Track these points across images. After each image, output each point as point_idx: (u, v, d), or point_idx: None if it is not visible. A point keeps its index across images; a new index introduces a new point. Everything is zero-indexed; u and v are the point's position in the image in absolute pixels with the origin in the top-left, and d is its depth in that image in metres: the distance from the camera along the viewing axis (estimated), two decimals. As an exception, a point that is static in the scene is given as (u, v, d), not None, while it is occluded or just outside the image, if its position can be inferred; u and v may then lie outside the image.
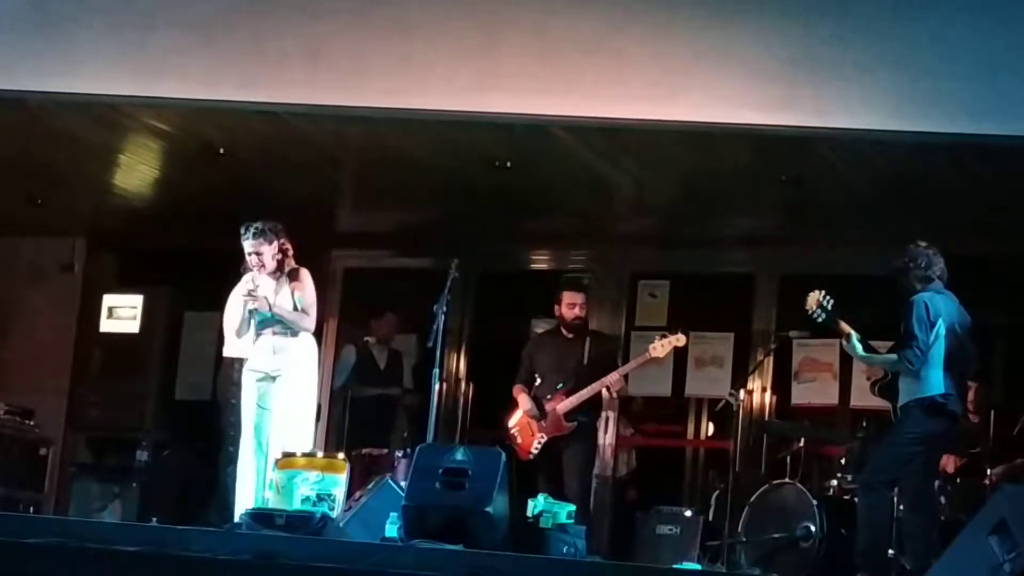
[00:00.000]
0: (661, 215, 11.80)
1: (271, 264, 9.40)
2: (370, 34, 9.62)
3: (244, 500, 9.27)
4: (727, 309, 12.64)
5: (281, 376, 9.43)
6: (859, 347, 8.88)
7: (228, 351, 10.26)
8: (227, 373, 10.43)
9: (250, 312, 9.40)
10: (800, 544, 9.99)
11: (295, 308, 9.44)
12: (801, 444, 10.76)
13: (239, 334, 9.65)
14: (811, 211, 11.30)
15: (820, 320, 8.89)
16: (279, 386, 9.41)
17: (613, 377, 10.53)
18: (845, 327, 8.88)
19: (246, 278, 9.60)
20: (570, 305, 10.77)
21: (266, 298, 9.33)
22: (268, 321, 9.43)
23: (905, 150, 9.63)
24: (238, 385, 10.09)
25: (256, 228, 9.38)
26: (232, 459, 10.10)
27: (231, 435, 10.24)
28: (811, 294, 8.88)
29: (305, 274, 9.53)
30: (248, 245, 9.40)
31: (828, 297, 8.83)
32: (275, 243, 9.41)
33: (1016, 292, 11.58)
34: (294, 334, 9.45)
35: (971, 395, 10.55)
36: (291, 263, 9.50)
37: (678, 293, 12.74)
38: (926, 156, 9.74)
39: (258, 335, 9.51)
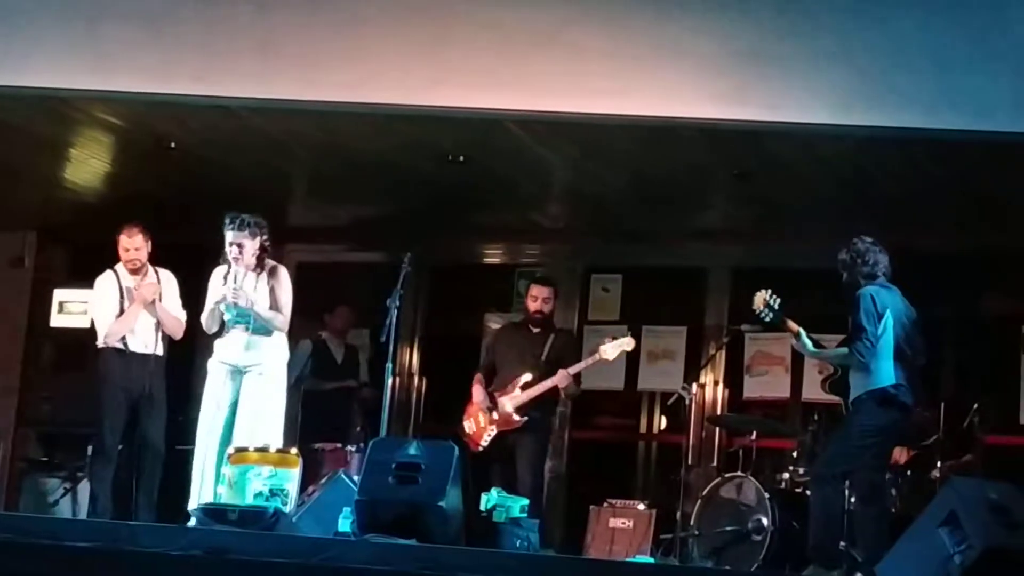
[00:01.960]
0: (614, 209, 11.81)
1: (250, 258, 9.40)
2: (322, 27, 9.59)
3: (200, 493, 9.22)
4: (679, 303, 12.68)
5: (252, 372, 9.42)
6: (808, 344, 8.92)
7: (105, 340, 10.14)
8: (103, 365, 10.26)
9: (225, 307, 9.39)
10: (752, 537, 10.03)
11: (272, 306, 9.45)
12: (753, 437, 10.81)
13: (208, 328, 9.61)
14: (763, 205, 11.34)
15: (767, 319, 8.92)
16: (251, 382, 9.40)
17: (561, 375, 10.54)
18: (793, 325, 8.92)
19: (218, 271, 9.56)
20: (533, 298, 10.84)
21: (247, 294, 9.33)
22: (241, 316, 9.41)
23: (856, 144, 9.67)
24: (104, 377, 10.01)
25: (242, 219, 9.41)
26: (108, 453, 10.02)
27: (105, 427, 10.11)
28: (758, 294, 8.91)
29: (284, 273, 9.57)
30: (231, 235, 9.40)
31: (775, 296, 8.87)
32: (258, 238, 9.44)
33: (965, 286, 11.65)
34: (267, 331, 9.47)
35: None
36: (270, 261, 9.51)
37: (631, 287, 12.78)
38: (877, 151, 9.78)
39: (229, 330, 9.50)
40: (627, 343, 10.68)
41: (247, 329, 9.44)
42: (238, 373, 9.46)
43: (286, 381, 9.69)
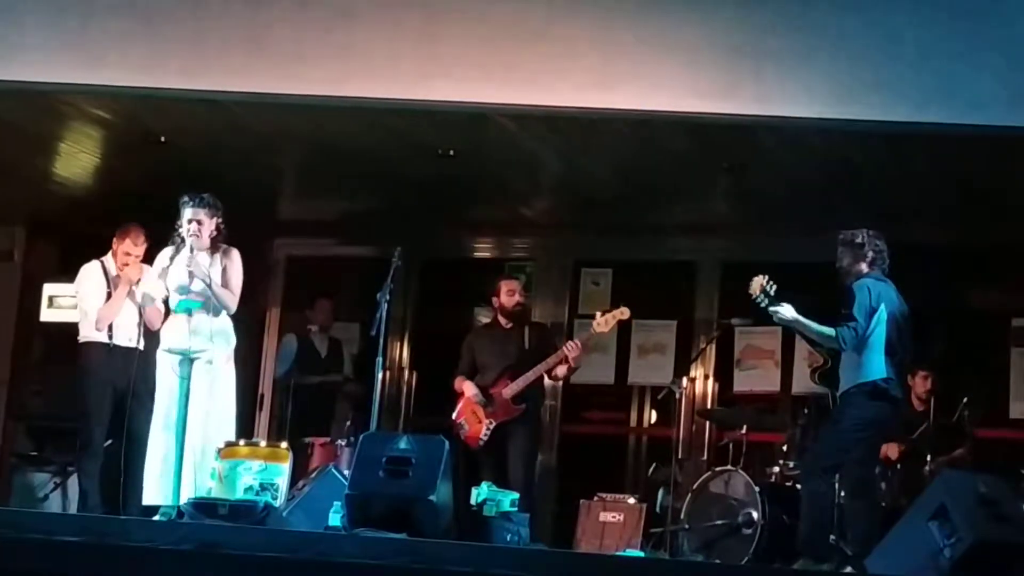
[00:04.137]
0: (604, 203, 11.81)
1: (206, 237, 9.29)
2: (311, 21, 9.59)
3: (156, 487, 9.14)
4: (670, 297, 12.69)
5: (201, 359, 9.28)
6: (791, 310, 8.81)
7: (87, 335, 10.10)
8: (88, 360, 10.23)
9: (178, 288, 9.28)
10: (742, 531, 10.06)
11: (223, 285, 9.33)
12: (743, 431, 10.82)
13: (157, 324, 9.49)
14: (753, 199, 11.35)
15: (763, 305, 8.88)
16: (201, 369, 9.26)
17: (571, 346, 10.48)
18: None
19: (163, 254, 9.42)
20: (509, 292, 10.79)
21: (204, 269, 9.23)
22: (191, 298, 9.29)
23: (845, 138, 9.68)
24: (88, 371, 9.97)
25: (201, 197, 9.28)
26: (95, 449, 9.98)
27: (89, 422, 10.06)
28: (755, 279, 8.86)
29: (237, 255, 9.40)
30: (189, 212, 9.26)
31: (771, 282, 8.84)
32: (215, 218, 9.32)
33: (956, 280, 11.67)
34: (215, 314, 9.31)
35: (927, 384, 10.63)
36: (223, 244, 9.41)
37: (621, 281, 12.78)
38: (867, 144, 9.79)
39: (173, 315, 9.37)
40: (621, 312, 10.62)
41: (193, 311, 9.26)
42: (187, 361, 9.31)
43: (234, 368, 9.52)
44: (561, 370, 10.67)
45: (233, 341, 9.42)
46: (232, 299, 9.33)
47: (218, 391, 9.27)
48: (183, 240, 9.28)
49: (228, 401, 9.35)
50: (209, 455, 9.02)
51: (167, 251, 9.40)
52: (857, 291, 8.69)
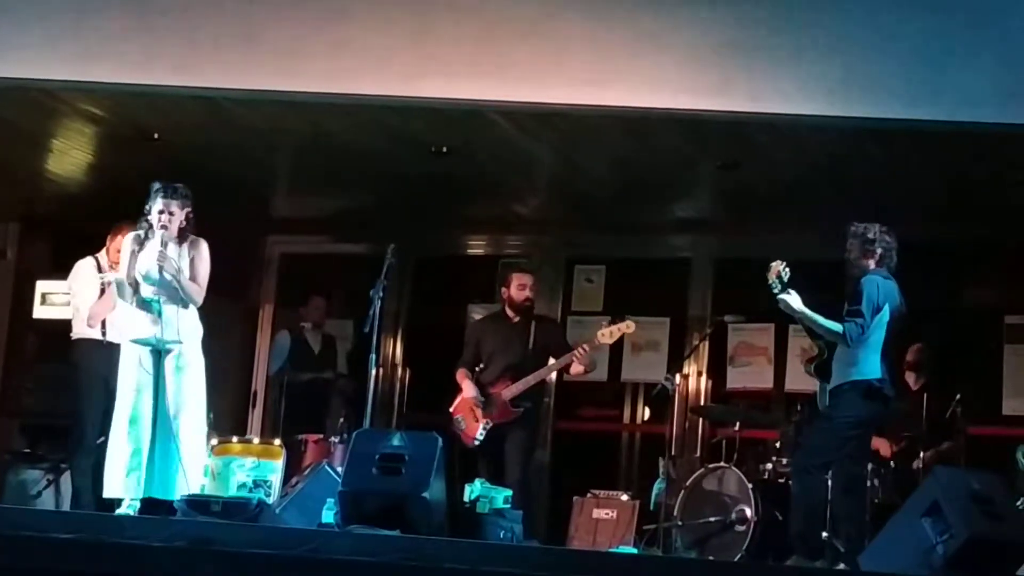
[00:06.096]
0: (597, 200, 11.82)
1: (175, 229, 9.20)
2: (306, 18, 9.59)
3: (121, 481, 9.01)
4: (663, 294, 12.70)
5: (172, 353, 9.17)
6: (799, 300, 8.80)
7: (80, 331, 10.08)
8: (80, 356, 10.19)
9: (145, 276, 9.17)
10: (735, 527, 10.06)
11: (191, 277, 9.24)
12: (736, 428, 10.82)
13: (118, 299, 9.34)
14: (746, 196, 11.35)
15: (775, 291, 8.82)
16: (173, 361, 9.16)
17: (581, 352, 10.44)
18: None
19: (129, 239, 9.26)
20: (520, 286, 10.76)
21: (174, 261, 9.12)
22: (155, 287, 9.20)
23: (839, 135, 9.69)
24: (81, 368, 9.95)
25: (174, 187, 9.15)
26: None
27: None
28: (773, 264, 8.80)
29: (206, 247, 9.29)
30: (160, 202, 9.11)
31: (787, 269, 8.79)
32: (185, 209, 9.22)
33: (949, 277, 11.68)
34: (184, 305, 9.15)
35: (917, 356, 10.64)
36: (191, 234, 9.31)
37: (614, 278, 12.79)
38: (860, 141, 9.80)
39: (139, 304, 9.26)
40: (627, 326, 10.61)
41: (162, 303, 9.08)
42: (156, 353, 9.22)
43: (203, 361, 9.44)
44: (577, 369, 10.66)
45: (200, 332, 9.31)
46: (199, 292, 9.21)
47: (193, 383, 9.18)
48: (151, 227, 9.20)
49: (202, 393, 9.25)
50: (188, 448, 8.89)
51: (134, 235, 9.26)
52: (866, 287, 8.67)
